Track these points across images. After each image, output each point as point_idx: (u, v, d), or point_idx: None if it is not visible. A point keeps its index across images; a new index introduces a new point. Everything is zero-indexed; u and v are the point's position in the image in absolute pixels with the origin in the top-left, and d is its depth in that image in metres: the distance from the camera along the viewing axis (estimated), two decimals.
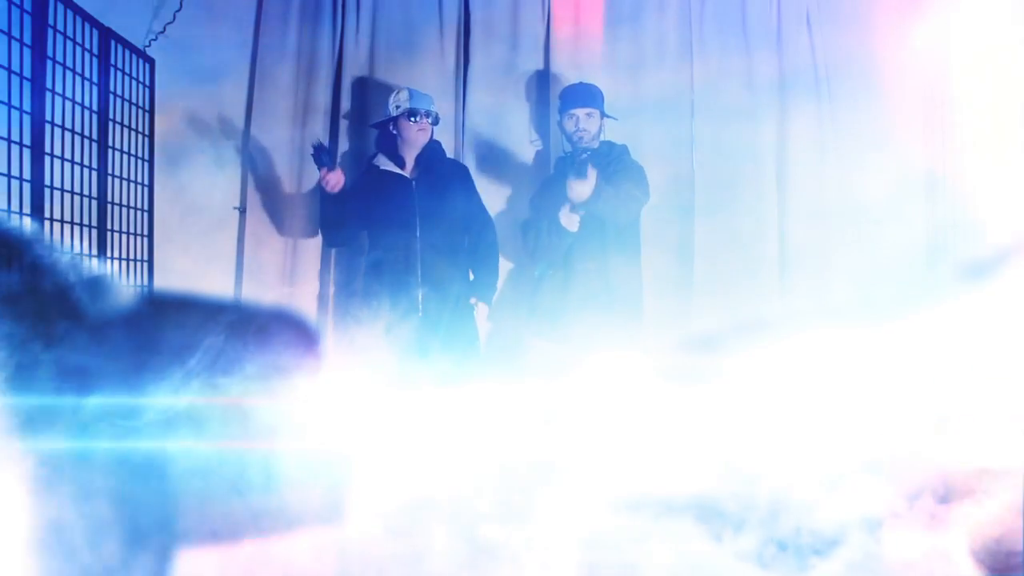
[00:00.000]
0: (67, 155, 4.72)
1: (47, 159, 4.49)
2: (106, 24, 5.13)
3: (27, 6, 4.36)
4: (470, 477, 5.15)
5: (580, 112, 5.28)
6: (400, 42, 5.88)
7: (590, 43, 5.88)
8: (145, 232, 5.61)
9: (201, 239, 5.76)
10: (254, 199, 5.84)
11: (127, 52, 5.40)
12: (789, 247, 5.85)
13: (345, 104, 5.86)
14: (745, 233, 5.79)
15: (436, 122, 5.30)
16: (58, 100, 4.63)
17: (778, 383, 3.31)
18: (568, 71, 5.84)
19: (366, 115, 5.75)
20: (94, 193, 5.01)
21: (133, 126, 5.49)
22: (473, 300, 5.24)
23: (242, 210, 5.85)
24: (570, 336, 5.13)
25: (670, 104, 5.86)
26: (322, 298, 5.82)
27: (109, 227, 5.18)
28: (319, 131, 5.81)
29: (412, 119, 5.20)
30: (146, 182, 5.64)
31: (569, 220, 5.15)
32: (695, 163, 5.84)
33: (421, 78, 5.72)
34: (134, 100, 5.50)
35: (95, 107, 5.03)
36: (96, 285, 2.88)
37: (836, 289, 5.67)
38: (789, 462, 3.33)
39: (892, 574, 3.66)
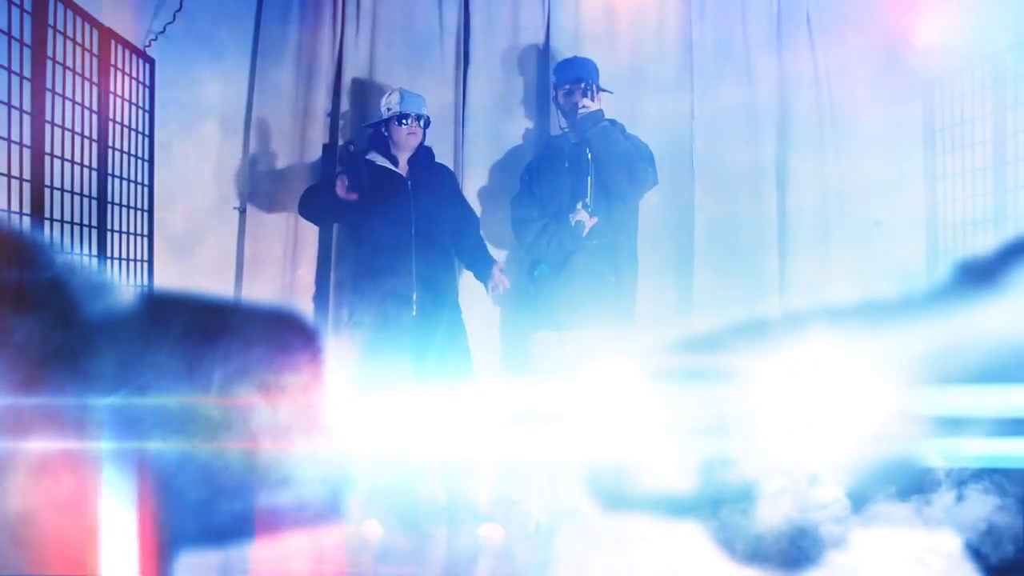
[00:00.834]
0: (67, 155, 4.72)
1: (47, 159, 4.49)
2: (106, 24, 5.13)
3: (27, 6, 4.36)
4: (469, 477, 5.15)
5: (575, 87, 5.27)
6: (400, 42, 5.88)
7: (590, 43, 5.87)
8: (145, 232, 5.61)
9: (201, 239, 5.76)
10: (254, 199, 5.84)
11: (127, 52, 5.40)
12: (789, 247, 5.84)
13: (345, 104, 5.85)
14: (745, 232, 5.78)
15: (427, 125, 5.27)
16: (58, 100, 4.63)
17: (777, 383, 3.31)
18: None
19: (366, 115, 5.74)
20: (94, 193, 5.02)
21: (133, 126, 5.49)
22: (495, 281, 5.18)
23: (242, 210, 5.85)
24: (571, 328, 5.13)
25: (670, 104, 5.85)
26: (321, 298, 5.81)
27: (109, 227, 5.18)
28: (319, 131, 5.81)
29: (401, 123, 5.19)
30: (146, 182, 5.64)
31: (581, 221, 5.13)
32: (695, 163, 5.83)
33: (421, 78, 5.72)
34: (134, 100, 5.50)
35: (95, 107, 5.03)
36: (95, 285, 2.88)
37: (836, 289, 5.66)
38: (788, 462, 3.33)
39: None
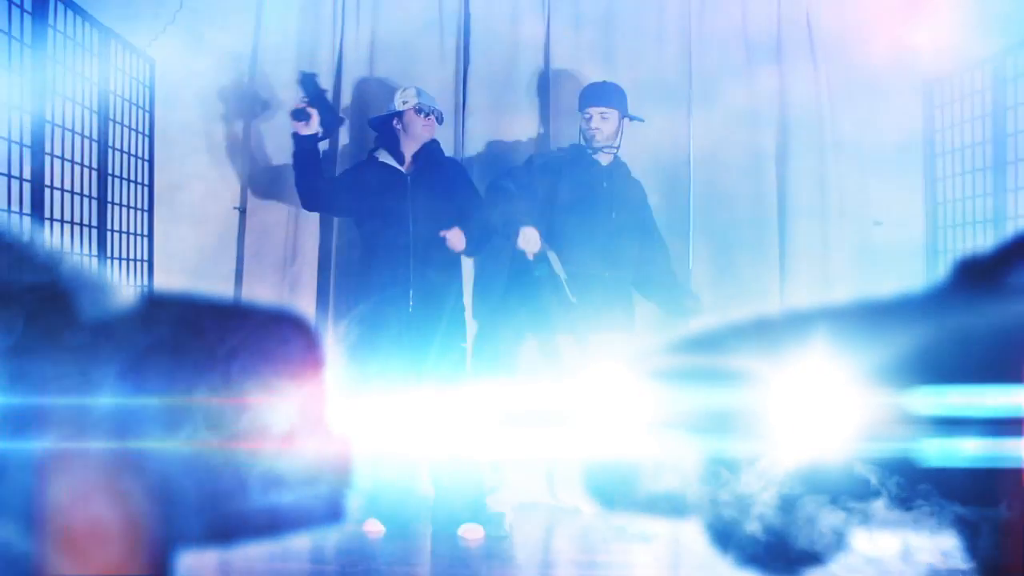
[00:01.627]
0: (67, 155, 4.72)
1: (47, 159, 4.49)
2: (106, 24, 5.13)
3: (27, 6, 4.36)
4: (458, 476, 5.15)
5: (595, 111, 5.25)
6: (400, 42, 5.88)
7: (590, 43, 5.88)
8: (145, 232, 5.61)
9: (201, 239, 5.76)
10: (254, 199, 5.84)
11: (127, 52, 5.40)
12: (789, 247, 5.84)
13: (345, 103, 5.86)
14: (745, 233, 5.78)
15: (440, 121, 5.30)
16: (58, 100, 4.64)
17: (777, 383, 3.31)
18: (568, 71, 5.83)
19: (366, 115, 5.74)
20: (94, 193, 5.02)
21: (133, 126, 5.49)
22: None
23: (242, 210, 5.85)
24: (571, 330, 5.11)
25: (669, 104, 5.85)
26: (321, 298, 5.82)
27: (109, 227, 5.18)
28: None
29: (421, 114, 5.19)
30: (146, 182, 5.65)
31: (528, 242, 5.05)
32: (693, 162, 5.83)
33: (421, 78, 5.71)
34: (134, 100, 5.50)
35: (95, 107, 5.03)
36: (95, 285, 2.88)
37: (836, 289, 5.66)
38: (788, 462, 3.33)
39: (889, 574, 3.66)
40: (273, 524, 2.91)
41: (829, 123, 5.88)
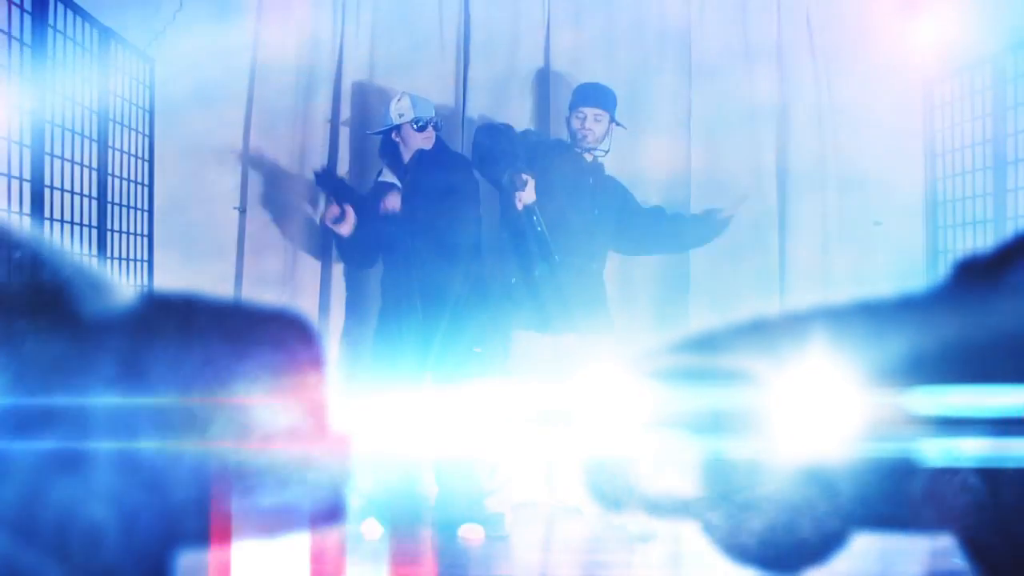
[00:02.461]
0: (67, 155, 4.72)
1: (47, 159, 4.49)
2: (106, 24, 5.13)
3: (27, 6, 4.36)
4: (461, 477, 5.15)
5: (589, 111, 5.26)
6: (400, 42, 5.87)
7: (590, 43, 5.88)
8: (145, 232, 5.61)
9: (201, 239, 5.76)
10: (254, 199, 5.84)
11: (127, 52, 5.40)
12: (789, 247, 5.84)
13: (345, 104, 5.86)
14: (745, 234, 5.77)
15: (439, 128, 5.26)
16: (58, 100, 4.63)
17: (777, 384, 3.31)
18: (568, 71, 5.83)
19: (367, 115, 5.74)
20: (94, 193, 5.02)
21: (133, 126, 5.49)
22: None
23: (242, 210, 5.85)
24: (569, 329, 5.11)
25: (669, 104, 5.85)
26: (322, 298, 5.81)
27: (109, 227, 5.18)
28: (319, 130, 5.81)
29: (419, 129, 5.16)
30: (146, 182, 5.64)
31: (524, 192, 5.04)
32: (693, 162, 5.83)
33: (421, 79, 5.71)
34: (134, 100, 5.50)
35: (95, 107, 5.03)
36: (95, 285, 2.88)
37: (836, 289, 5.66)
38: (788, 462, 3.33)
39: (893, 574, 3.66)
40: (273, 524, 2.91)
41: (829, 123, 5.88)
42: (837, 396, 3.22)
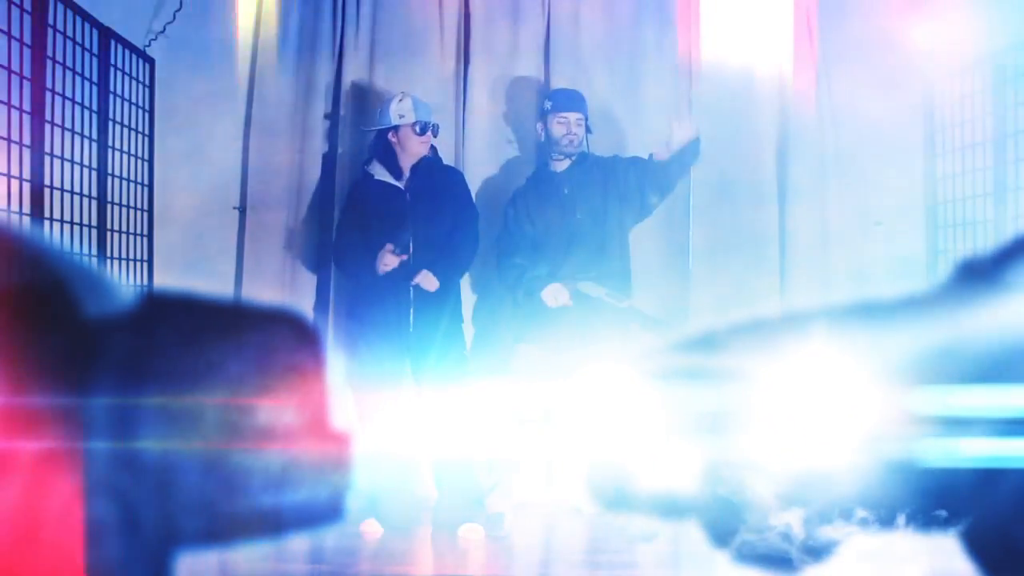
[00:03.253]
0: (67, 155, 4.72)
1: (47, 159, 4.49)
2: (106, 24, 5.13)
3: (27, 6, 4.36)
4: (460, 477, 5.15)
5: (571, 116, 5.25)
6: (400, 42, 5.88)
7: (590, 43, 5.87)
8: (145, 232, 5.61)
9: (201, 239, 5.76)
10: (254, 199, 5.84)
11: (127, 52, 5.40)
12: (789, 247, 5.84)
13: (345, 103, 5.86)
14: (745, 233, 5.77)
15: (436, 133, 5.26)
16: (58, 100, 4.64)
17: (777, 384, 3.31)
18: (568, 72, 5.82)
19: (366, 114, 5.74)
20: (94, 193, 5.02)
21: (133, 126, 5.49)
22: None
23: (242, 210, 5.85)
24: (564, 341, 5.09)
25: (669, 104, 5.85)
26: (322, 298, 5.81)
27: (109, 227, 5.18)
28: (319, 130, 5.81)
29: (419, 132, 5.15)
30: (146, 182, 5.65)
31: (555, 298, 5.09)
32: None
33: (421, 79, 5.71)
34: (134, 100, 5.50)
35: (95, 107, 5.03)
36: (95, 285, 2.88)
37: (836, 289, 5.66)
38: (787, 462, 3.33)
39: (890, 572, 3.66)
40: (272, 524, 2.91)
41: (829, 123, 5.88)
42: (837, 396, 3.22)
